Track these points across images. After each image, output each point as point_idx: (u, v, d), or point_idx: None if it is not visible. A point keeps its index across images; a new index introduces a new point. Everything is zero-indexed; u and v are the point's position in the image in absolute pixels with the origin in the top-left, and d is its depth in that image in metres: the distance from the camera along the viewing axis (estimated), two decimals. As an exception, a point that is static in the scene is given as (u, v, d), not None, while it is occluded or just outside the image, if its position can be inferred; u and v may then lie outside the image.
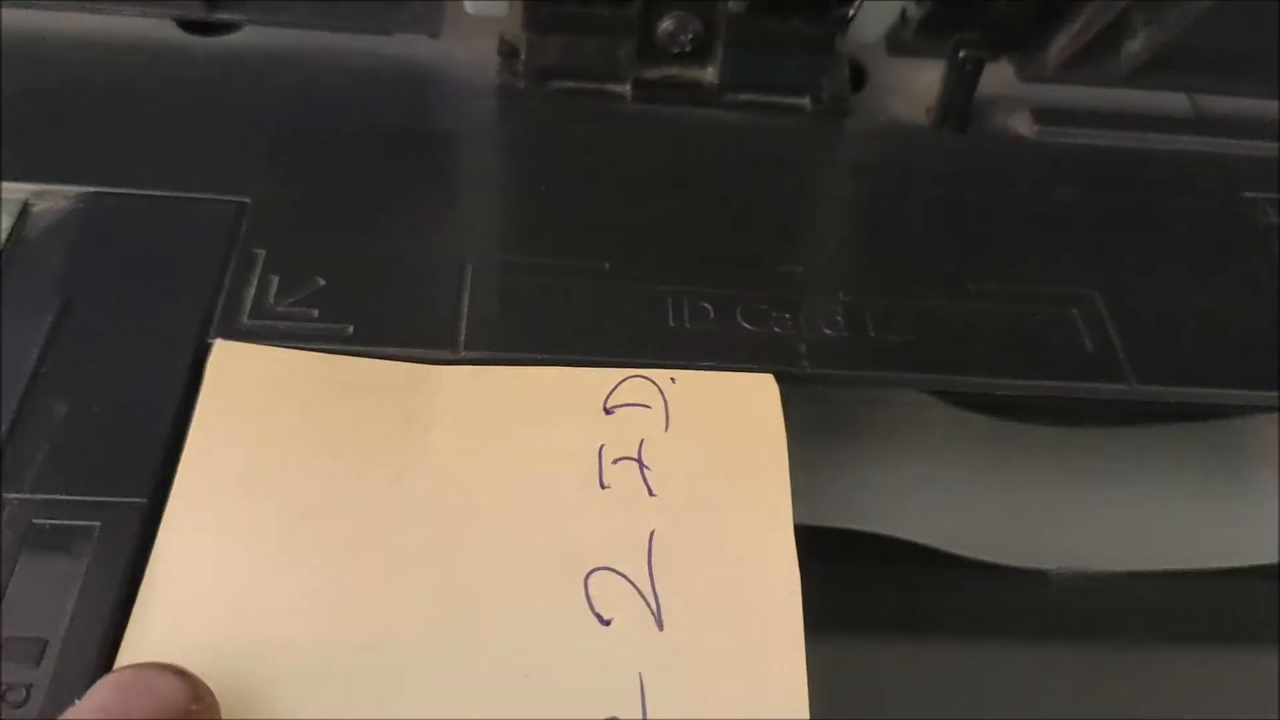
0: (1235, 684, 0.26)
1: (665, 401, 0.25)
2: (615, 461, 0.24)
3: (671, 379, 0.25)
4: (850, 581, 0.26)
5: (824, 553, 0.25)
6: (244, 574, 0.21)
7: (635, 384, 0.25)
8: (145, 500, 0.22)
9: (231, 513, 0.22)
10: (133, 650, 0.20)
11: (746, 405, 0.25)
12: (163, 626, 0.21)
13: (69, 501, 0.22)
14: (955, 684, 0.25)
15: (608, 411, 0.25)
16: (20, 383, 0.24)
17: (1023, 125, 0.36)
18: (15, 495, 0.22)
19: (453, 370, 0.25)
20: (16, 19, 0.33)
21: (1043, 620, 0.26)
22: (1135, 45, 0.33)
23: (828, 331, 0.28)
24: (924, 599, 0.26)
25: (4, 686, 0.20)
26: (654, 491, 0.23)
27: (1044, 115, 0.36)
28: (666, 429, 0.24)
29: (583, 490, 0.23)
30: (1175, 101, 0.37)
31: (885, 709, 0.24)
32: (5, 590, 0.21)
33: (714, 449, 0.24)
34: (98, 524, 0.22)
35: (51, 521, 0.22)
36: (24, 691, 0.20)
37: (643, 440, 0.24)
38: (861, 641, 0.25)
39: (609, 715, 0.20)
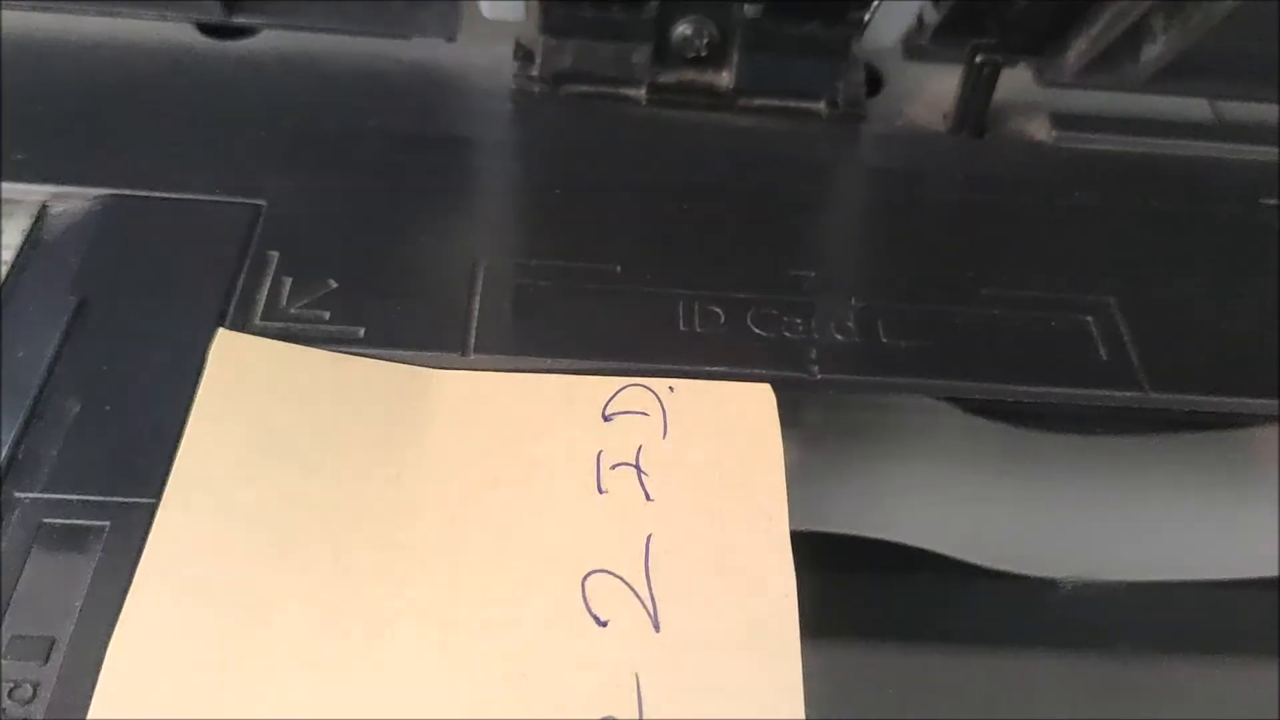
0: (1251, 697, 0.25)
1: (663, 410, 0.25)
2: (613, 467, 0.24)
3: (670, 388, 0.25)
4: (858, 588, 0.26)
5: (833, 559, 0.25)
6: (241, 563, 0.22)
7: (634, 392, 0.25)
8: (156, 501, 0.22)
9: (229, 501, 0.22)
10: (126, 637, 0.20)
11: (744, 414, 0.25)
12: (158, 614, 0.21)
13: (80, 501, 0.23)
14: (963, 692, 0.25)
15: (606, 419, 0.25)
16: (35, 382, 0.24)
17: (1040, 130, 0.36)
18: (27, 494, 0.23)
19: (453, 374, 0.26)
20: (36, 22, 0.33)
21: (1052, 629, 0.26)
22: (1155, 49, 0.32)
23: (839, 337, 0.28)
24: (932, 606, 0.26)
25: (11, 684, 0.20)
26: (651, 497, 0.23)
27: (1062, 120, 0.35)
28: (664, 436, 0.25)
29: (580, 495, 0.23)
30: (1196, 107, 0.37)
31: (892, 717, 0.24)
32: (15, 588, 0.21)
33: (712, 456, 0.24)
34: (108, 524, 0.22)
35: (62, 521, 0.22)
36: (31, 689, 0.20)
37: (641, 447, 0.24)
38: (869, 649, 0.25)
39: (605, 715, 0.20)
